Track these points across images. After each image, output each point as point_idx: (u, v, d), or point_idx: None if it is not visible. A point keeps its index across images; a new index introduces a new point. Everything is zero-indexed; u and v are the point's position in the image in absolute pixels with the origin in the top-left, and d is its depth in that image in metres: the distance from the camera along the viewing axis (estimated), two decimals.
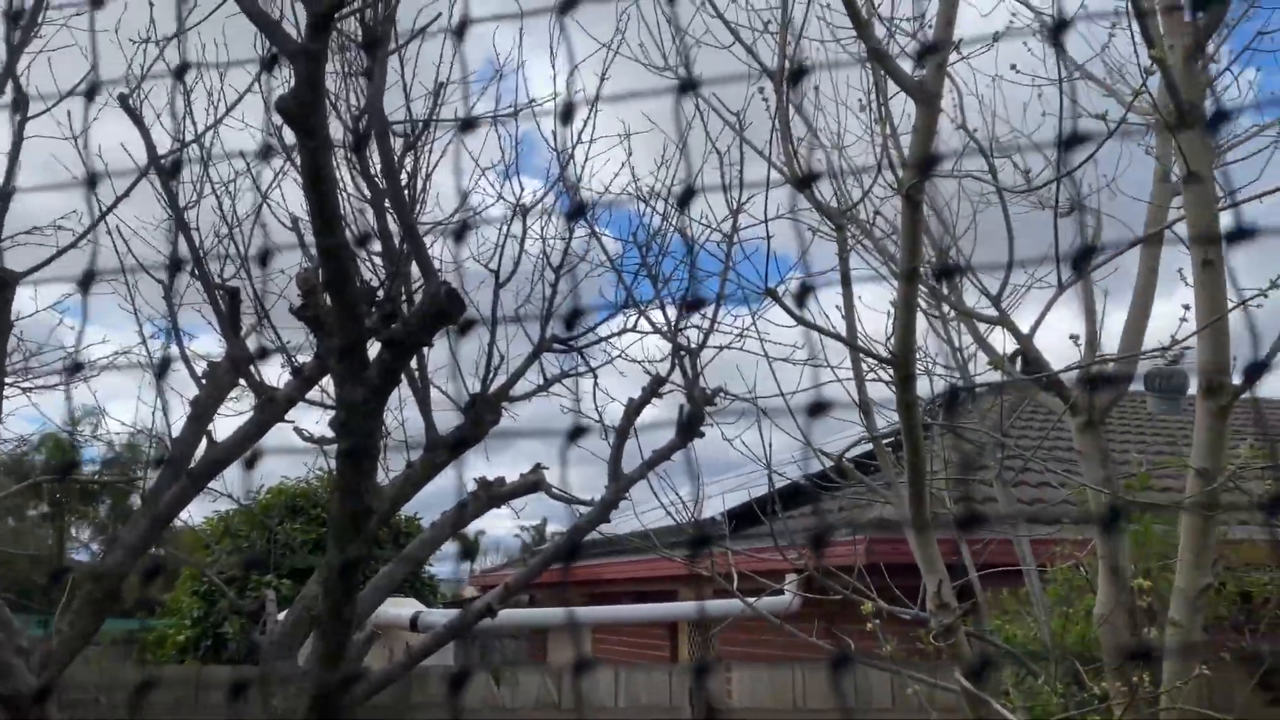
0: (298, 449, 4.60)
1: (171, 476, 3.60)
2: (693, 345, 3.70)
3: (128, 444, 11.93)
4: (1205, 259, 2.82)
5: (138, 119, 3.64)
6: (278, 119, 2.89)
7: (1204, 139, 2.81)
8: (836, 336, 2.80)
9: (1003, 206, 2.99)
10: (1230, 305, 2.74)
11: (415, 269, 3.60)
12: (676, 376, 3.72)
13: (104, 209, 3.57)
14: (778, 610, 5.40)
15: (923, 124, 2.10)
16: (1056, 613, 3.66)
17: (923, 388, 3.62)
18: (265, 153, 3.89)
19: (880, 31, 2.66)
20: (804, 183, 2.68)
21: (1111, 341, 3.43)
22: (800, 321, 2.53)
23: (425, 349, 4.02)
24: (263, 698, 3.64)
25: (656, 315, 4.02)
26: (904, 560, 3.46)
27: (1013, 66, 3.20)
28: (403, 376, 3.09)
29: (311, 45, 2.09)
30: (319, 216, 2.26)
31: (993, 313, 3.42)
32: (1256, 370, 2.77)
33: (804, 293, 2.74)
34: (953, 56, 2.71)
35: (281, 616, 4.29)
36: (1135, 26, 2.95)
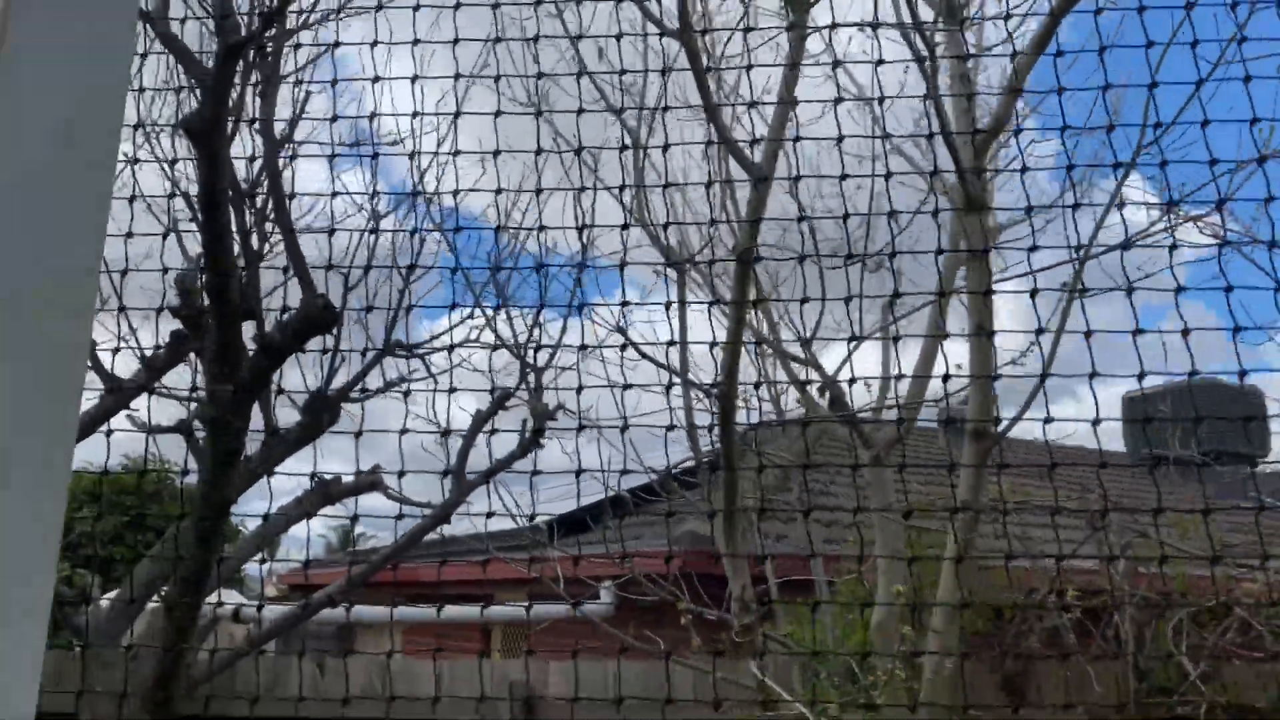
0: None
1: None
2: (538, 364, 3.99)
3: None
4: (979, 323, 3.35)
5: None
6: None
7: (983, 225, 3.34)
8: (669, 369, 3.16)
9: (819, 269, 3.44)
10: (995, 364, 3.28)
11: (260, 270, 3.75)
12: (522, 390, 4.00)
13: None
14: (596, 614, 5.75)
15: (754, 199, 2.48)
16: (841, 620, 4.16)
17: (742, 417, 4.04)
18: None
19: (727, 113, 3.05)
20: (658, 242, 3.03)
21: (903, 385, 3.95)
22: (644, 356, 2.88)
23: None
24: (83, 681, 3.66)
25: (503, 330, 4.30)
26: (714, 572, 3.86)
27: (839, 142, 3.67)
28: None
29: (220, 71, 2.28)
30: (210, 230, 2.45)
31: (803, 354, 3.88)
32: (1013, 421, 3.32)
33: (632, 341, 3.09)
34: (790, 132, 3.12)
35: (105, 603, 4.29)
36: (938, 122, 3.45)
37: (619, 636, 3.98)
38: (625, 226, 3.08)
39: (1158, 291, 3.01)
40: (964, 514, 3.03)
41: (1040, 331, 2.90)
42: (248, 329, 2.67)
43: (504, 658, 8.75)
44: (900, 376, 3.90)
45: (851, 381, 3.91)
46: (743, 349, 3.11)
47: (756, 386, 4.24)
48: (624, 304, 2.37)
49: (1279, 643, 4.34)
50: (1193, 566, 4.79)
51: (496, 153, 3.27)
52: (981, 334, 3.03)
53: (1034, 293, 2.88)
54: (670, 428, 3.77)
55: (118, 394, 3.69)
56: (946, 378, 2.68)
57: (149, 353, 3.82)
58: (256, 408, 4.26)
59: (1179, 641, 4.16)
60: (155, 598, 3.87)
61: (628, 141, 3.52)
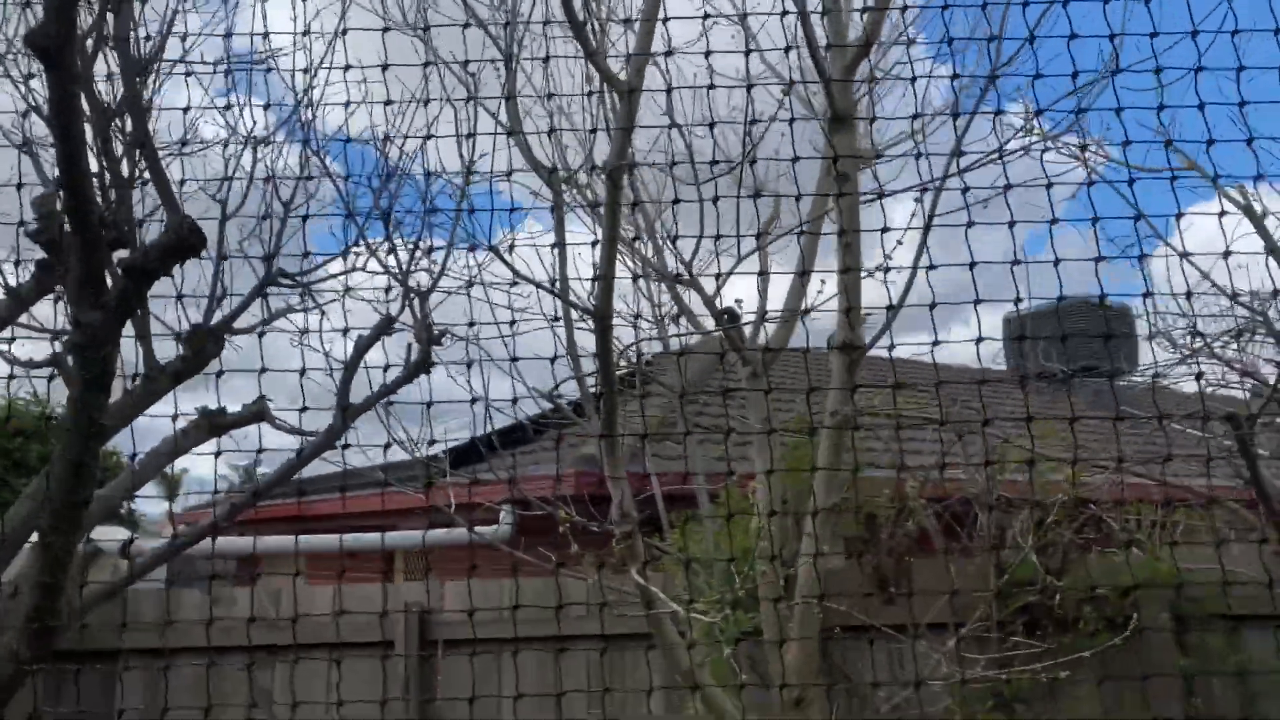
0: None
1: None
2: (422, 288, 3.99)
3: None
4: (846, 242, 3.48)
5: None
6: None
7: (852, 143, 3.45)
8: (549, 290, 3.22)
9: (696, 187, 3.52)
10: (861, 276, 3.42)
11: (135, 193, 3.65)
12: (406, 317, 4.00)
13: None
14: (496, 538, 5.86)
15: (624, 114, 2.53)
16: (723, 530, 4.35)
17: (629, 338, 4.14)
18: None
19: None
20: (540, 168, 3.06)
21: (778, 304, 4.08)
22: (518, 275, 2.92)
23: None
24: None
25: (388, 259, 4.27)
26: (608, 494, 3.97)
27: (707, 56, 3.71)
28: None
29: None
30: (64, 148, 2.39)
31: (687, 276, 3.97)
32: (877, 336, 3.48)
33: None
34: (661, 46, 3.15)
35: None
36: (807, 37, 3.53)
37: (513, 554, 4.08)
38: (510, 133, 3.11)
39: (1034, 223, 3.15)
40: (834, 419, 3.19)
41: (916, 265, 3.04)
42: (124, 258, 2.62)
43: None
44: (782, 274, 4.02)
45: (726, 314, 4.03)
46: (619, 266, 3.18)
47: (636, 321, 4.34)
48: (513, 210, 2.40)
49: (1128, 537, 4.69)
50: (1055, 472, 5.12)
51: (385, 66, 3.22)
52: (872, 272, 3.16)
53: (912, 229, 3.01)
54: (554, 359, 3.85)
55: None
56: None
57: (15, 283, 3.70)
58: (138, 343, 4.19)
59: (1039, 539, 4.47)
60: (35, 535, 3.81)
61: (505, 61, 3.51)
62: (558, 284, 3.32)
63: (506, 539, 6.05)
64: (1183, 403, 5.64)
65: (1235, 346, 4.33)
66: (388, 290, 4.18)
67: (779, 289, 4.07)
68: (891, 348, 2.78)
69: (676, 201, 2.63)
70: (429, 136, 3.16)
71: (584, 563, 4.06)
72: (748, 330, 4.06)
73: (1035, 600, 4.24)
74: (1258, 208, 4.08)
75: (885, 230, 3.18)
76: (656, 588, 3.50)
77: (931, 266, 3.48)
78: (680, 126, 3.30)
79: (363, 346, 3.98)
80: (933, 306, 2.92)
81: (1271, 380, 4.02)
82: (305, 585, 7.34)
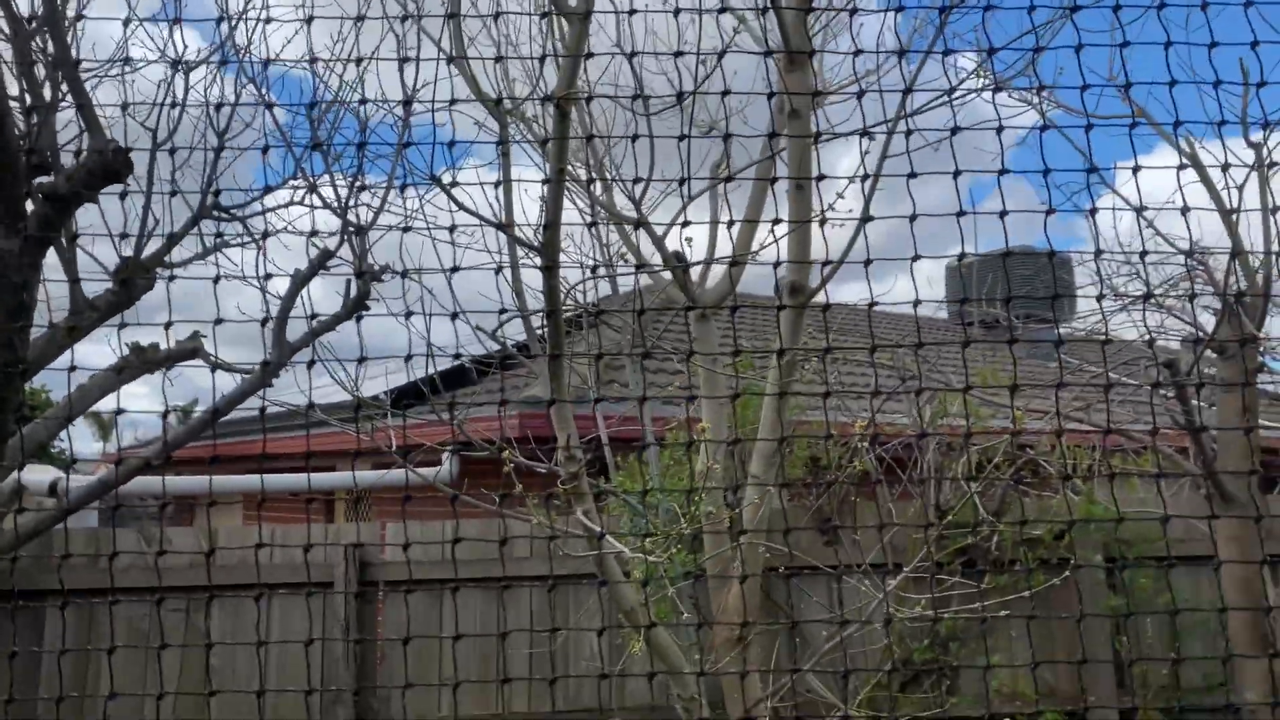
0: None
1: None
2: (362, 223, 3.88)
3: None
4: (798, 184, 3.44)
5: None
6: None
7: (804, 82, 3.39)
8: (495, 224, 3.13)
9: (647, 122, 3.44)
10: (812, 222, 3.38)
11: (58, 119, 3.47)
12: (345, 253, 3.89)
13: None
14: (439, 479, 5.79)
15: (573, 42, 2.44)
16: (669, 471, 4.35)
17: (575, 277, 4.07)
18: None
19: None
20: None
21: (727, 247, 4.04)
22: (460, 207, 2.84)
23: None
24: None
25: (326, 191, 4.14)
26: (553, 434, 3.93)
27: None
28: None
29: None
30: None
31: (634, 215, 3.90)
32: (826, 279, 3.45)
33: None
34: None
35: None
36: None
37: (453, 493, 4.03)
38: (450, 60, 2.99)
39: (982, 173, 3.13)
40: (783, 360, 3.17)
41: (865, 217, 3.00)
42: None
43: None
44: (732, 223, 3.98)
45: (680, 261, 3.97)
46: (566, 204, 3.10)
47: (594, 268, 4.24)
48: (451, 144, 2.31)
49: (1063, 481, 4.78)
50: (995, 418, 5.19)
51: None
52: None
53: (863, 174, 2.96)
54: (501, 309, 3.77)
55: None
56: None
57: None
58: (64, 275, 4.02)
59: (976, 480, 4.53)
60: None
61: None
62: (502, 219, 3.23)
63: (448, 480, 6.00)
64: (1120, 351, 5.74)
65: (1175, 295, 4.41)
66: (338, 228, 4.06)
67: (728, 233, 4.03)
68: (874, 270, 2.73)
69: (635, 138, 2.55)
70: (365, 59, 3.04)
71: (528, 504, 4.03)
72: (696, 273, 4.02)
73: (973, 542, 4.32)
74: (1206, 158, 4.12)
75: (822, 178, 3.14)
76: (601, 528, 3.49)
77: (866, 219, 3.45)
78: (633, 55, 3.21)
79: (299, 281, 3.87)
80: (867, 264, 2.85)
81: (1209, 329, 4.10)
82: (241, 526, 7.25)
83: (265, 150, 3.61)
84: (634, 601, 3.10)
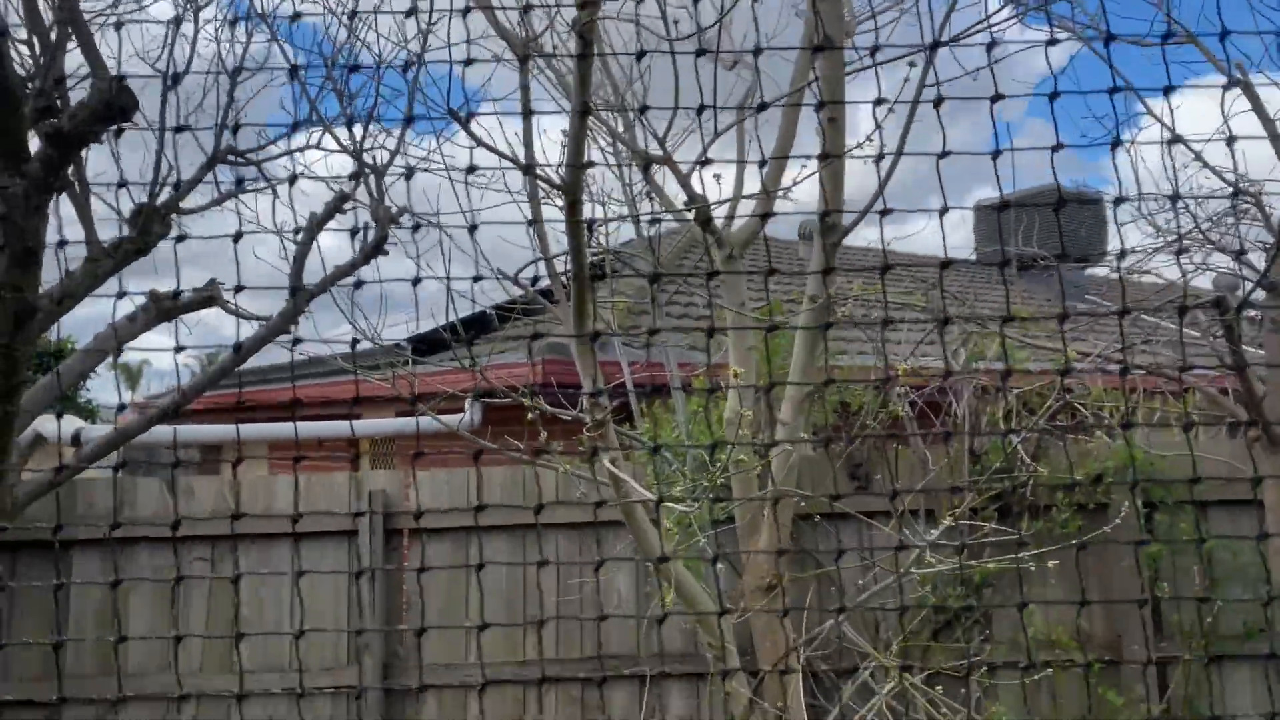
0: None
1: None
2: (378, 165, 3.77)
3: None
4: (830, 117, 3.29)
5: None
6: None
7: (838, 10, 3.23)
8: (514, 161, 3.01)
9: (671, 53, 3.28)
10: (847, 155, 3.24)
11: (68, 61, 3.37)
12: (361, 195, 3.79)
13: None
14: (463, 426, 5.73)
15: None
16: (696, 419, 4.26)
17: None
18: None
19: None
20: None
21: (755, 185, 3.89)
22: (479, 143, 2.72)
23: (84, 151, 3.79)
24: None
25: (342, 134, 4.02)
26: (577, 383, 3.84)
27: None
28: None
29: None
30: None
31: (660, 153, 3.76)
32: (861, 215, 3.32)
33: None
34: None
35: None
36: None
37: (479, 442, 3.96)
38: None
39: (1025, 97, 2.98)
40: (811, 303, 3.06)
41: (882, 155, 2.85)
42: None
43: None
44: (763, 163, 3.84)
45: (696, 202, 3.83)
46: (589, 143, 2.98)
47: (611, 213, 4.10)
48: (468, 62, 2.18)
49: (1101, 426, 4.65)
50: (1032, 362, 5.06)
51: None
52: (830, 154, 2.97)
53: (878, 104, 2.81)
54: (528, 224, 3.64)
55: None
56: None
57: None
58: (79, 223, 3.94)
59: (1010, 425, 4.42)
60: None
61: None
62: (523, 157, 3.11)
63: (474, 429, 5.94)
64: (1159, 292, 5.56)
65: (1223, 230, 4.23)
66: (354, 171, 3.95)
67: (756, 170, 3.89)
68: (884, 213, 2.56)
69: (642, 55, 2.42)
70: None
71: (553, 452, 3.96)
72: (722, 213, 3.89)
73: (1009, 487, 4.22)
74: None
75: (871, 102, 2.99)
76: (628, 476, 3.41)
77: (899, 154, 3.29)
78: None
79: (316, 224, 3.77)
80: (884, 213, 2.67)
81: (1259, 265, 3.93)
82: (267, 475, 7.25)
83: (294, 71, 3.49)
84: (661, 550, 3.03)
